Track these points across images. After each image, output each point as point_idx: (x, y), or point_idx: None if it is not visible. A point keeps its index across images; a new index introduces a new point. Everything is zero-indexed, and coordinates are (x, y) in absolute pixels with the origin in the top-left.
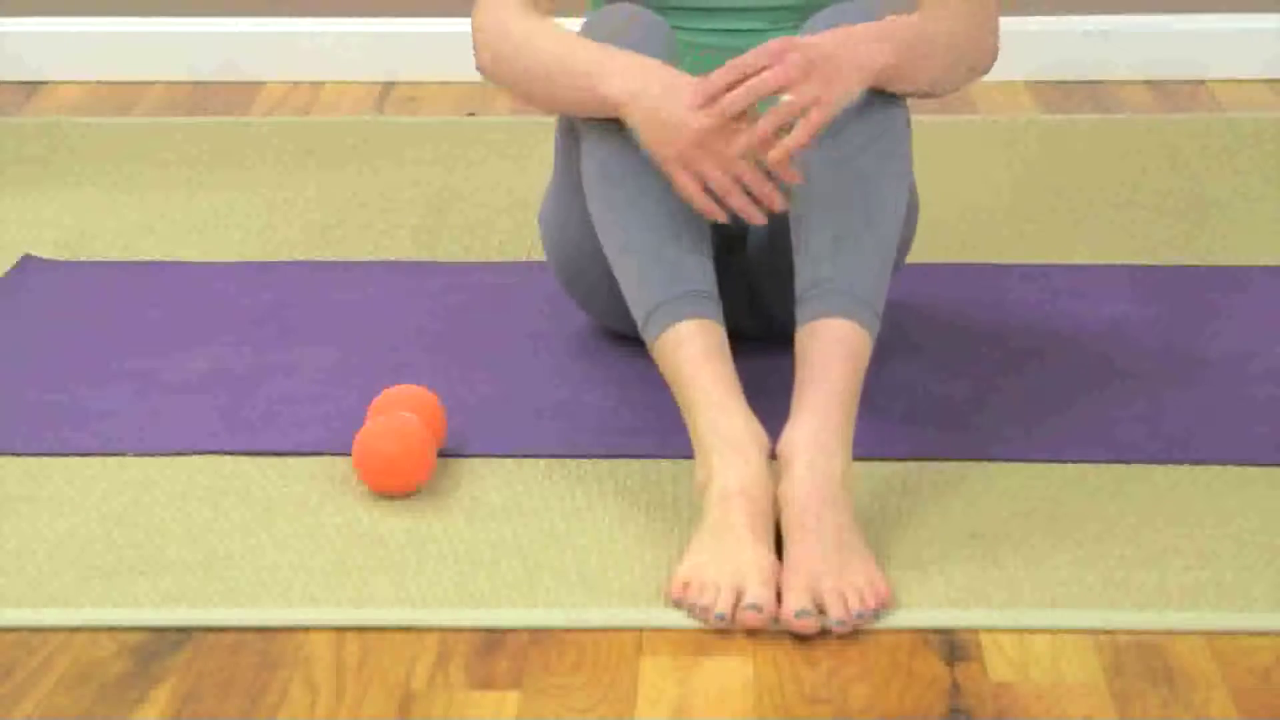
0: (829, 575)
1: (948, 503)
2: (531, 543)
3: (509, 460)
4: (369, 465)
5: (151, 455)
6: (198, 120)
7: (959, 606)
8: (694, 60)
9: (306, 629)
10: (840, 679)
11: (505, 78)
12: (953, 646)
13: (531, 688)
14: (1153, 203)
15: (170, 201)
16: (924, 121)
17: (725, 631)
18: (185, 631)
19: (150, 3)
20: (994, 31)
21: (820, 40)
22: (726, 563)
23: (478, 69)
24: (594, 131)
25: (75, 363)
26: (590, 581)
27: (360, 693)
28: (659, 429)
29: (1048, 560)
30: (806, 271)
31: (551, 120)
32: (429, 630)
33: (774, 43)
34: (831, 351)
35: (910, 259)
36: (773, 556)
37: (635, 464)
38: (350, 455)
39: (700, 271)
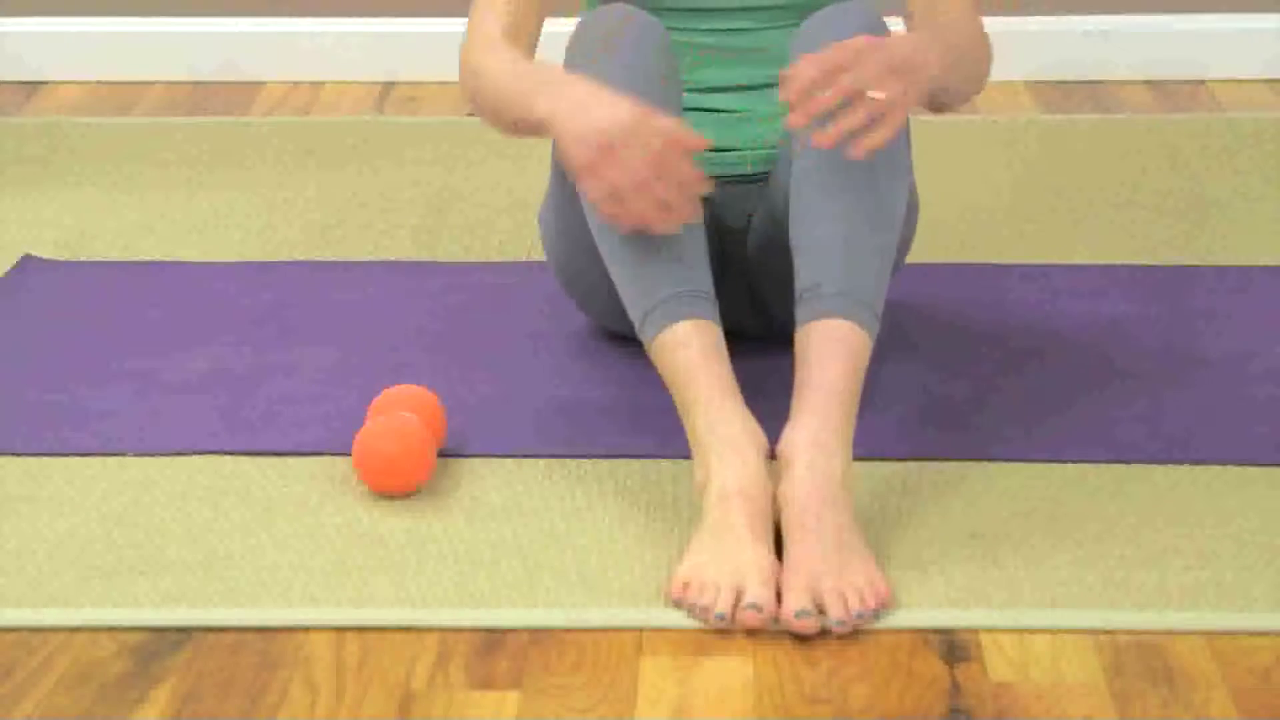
0: (829, 575)
1: (948, 503)
2: (531, 543)
3: (509, 460)
4: (369, 465)
5: (151, 455)
6: (198, 120)
7: (959, 606)
8: (692, 60)
9: (306, 629)
10: (840, 679)
11: (476, 108)
12: (953, 646)
13: (531, 688)
14: (1153, 203)
15: (170, 201)
16: (924, 121)
17: (725, 631)
18: (185, 631)
19: (150, 3)
20: (988, 41)
21: (896, 44)
22: (726, 563)
23: None
24: None
25: (75, 363)
26: (590, 581)
27: (360, 693)
28: (659, 429)
29: (1048, 560)
30: (806, 272)
31: None
32: (429, 630)
33: (855, 43)
34: (831, 352)
35: (910, 259)
36: (772, 556)
37: (635, 464)
38: (350, 455)
39: (697, 271)
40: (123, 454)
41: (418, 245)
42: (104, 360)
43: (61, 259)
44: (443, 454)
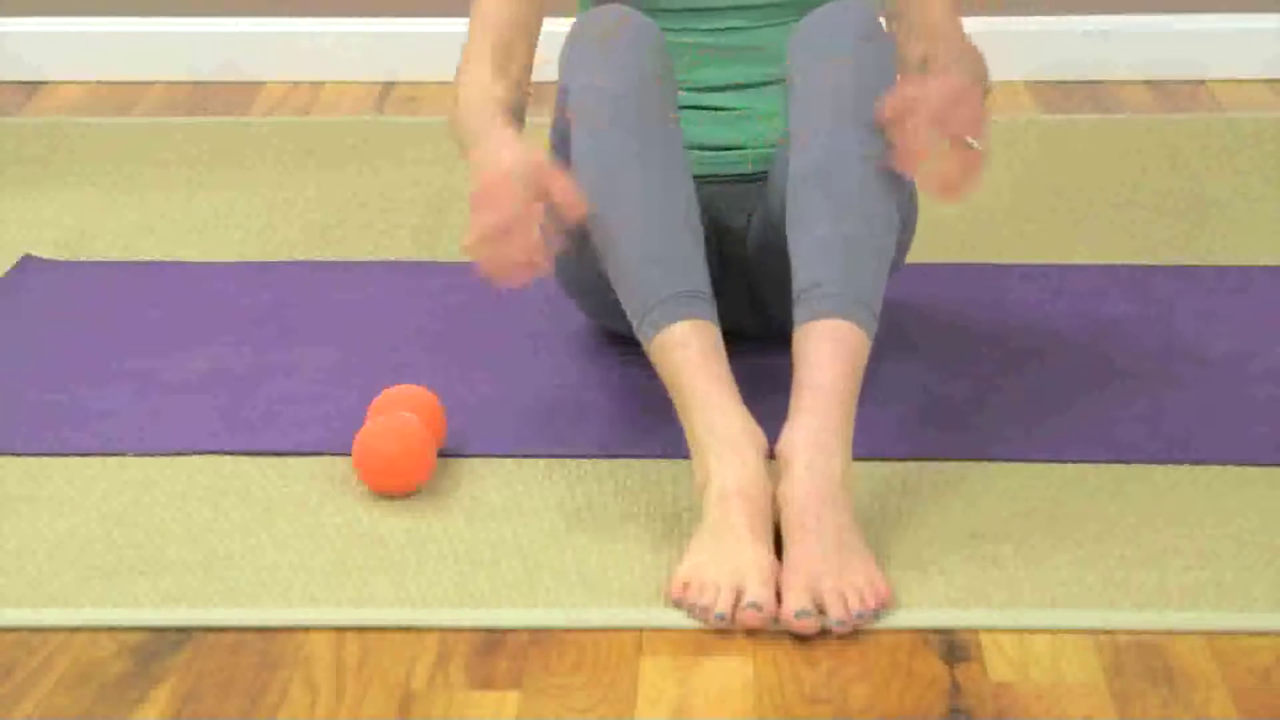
0: (829, 575)
1: (948, 503)
2: (531, 543)
3: (509, 460)
4: (369, 465)
5: (151, 455)
6: (198, 120)
7: (959, 606)
8: (690, 60)
9: (306, 629)
10: (840, 679)
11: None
12: (953, 646)
13: (531, 688)
14: (1153, 203)
15: (170, 201)
16: None
17: (725, 631)
18: (185, 631)
19: (150, 3)
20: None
21: (976, 88)
22: (726, 563)
23: None
24: (583, 136)
25: (75, 363)
26: (590, 581)
27: (360, 693)
28: (659, 429)
29: (1048, 560)
30: (804, 272)
31: (550, 121)
32: (429, 630)
33: (958, 85)
34: (830, 352)
35: (910, 259)
36: (772, 556)
37: (635, 464)
38: (350, 455)
39: (695, 272)
40: (123, 454)
41: (418, 245)
42: (104, 360)
43: (61, 259)
44: (443, 454)
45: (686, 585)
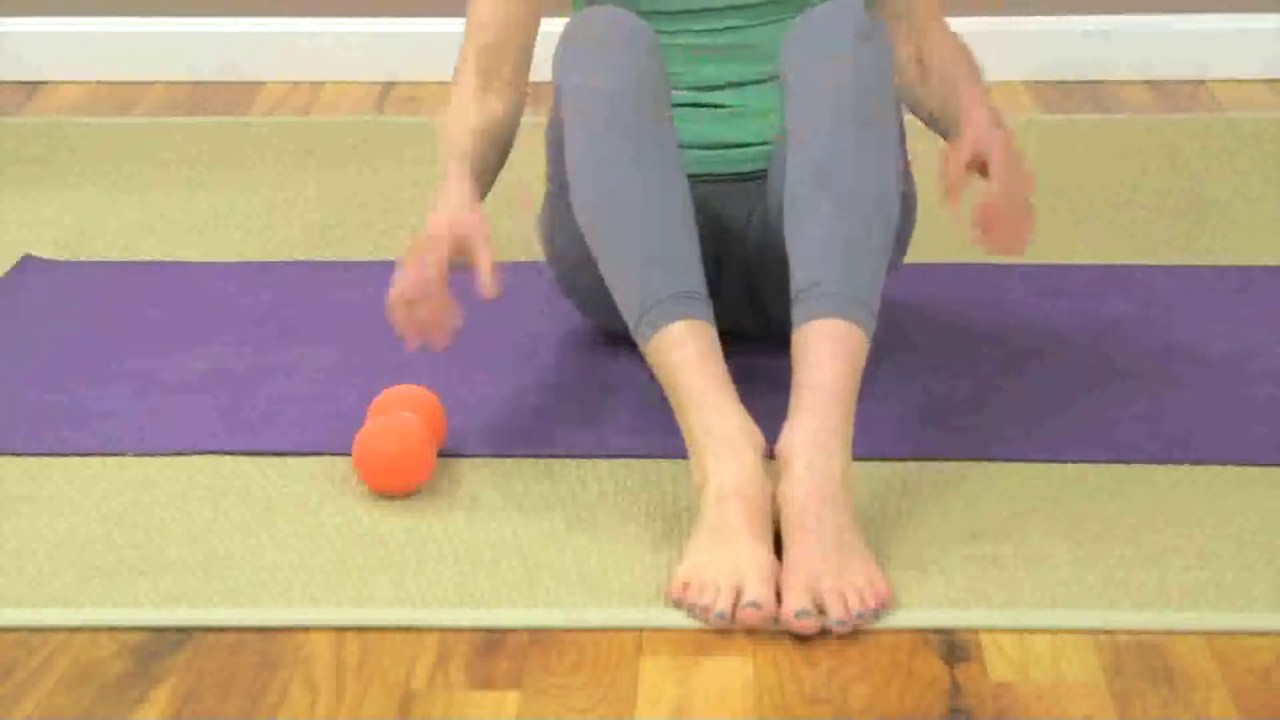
0: (829, 575)
1: (948, 503)
2: (531, 543)
3: (509, 460)
4: (369, 465)
5: (151, 455)
6: (198, 120)
7: (959, 606)
8: (686, 59)
9: (306, 629)
10: (840, 679)
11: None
12: (953, 646)
13: (531, 688)
14: (1153, 203)
15: (170, 201)
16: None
17: (725, 631)
18: (185, 631)
19: (150, 3)
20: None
21: (1000, 124)
22: (725, 562)
23: None
24: (578, 137)
25: (75, 363)
26: (590, 581)
27: (360, 693)
28: (659, 429)
29: (1048, 560)
30: (802, 272)
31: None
32: (429, 630)
33: (1001, 138)
34: (828, 351)
35: (910, 259)
36: (771, 555)
37: (635, 464)
38: (350, 455)
39: (691, 272)
40: (123, 454)
41: None
42: (104, 360)
43: (61, 259)
44: (443, 454)
45: (686, 585)
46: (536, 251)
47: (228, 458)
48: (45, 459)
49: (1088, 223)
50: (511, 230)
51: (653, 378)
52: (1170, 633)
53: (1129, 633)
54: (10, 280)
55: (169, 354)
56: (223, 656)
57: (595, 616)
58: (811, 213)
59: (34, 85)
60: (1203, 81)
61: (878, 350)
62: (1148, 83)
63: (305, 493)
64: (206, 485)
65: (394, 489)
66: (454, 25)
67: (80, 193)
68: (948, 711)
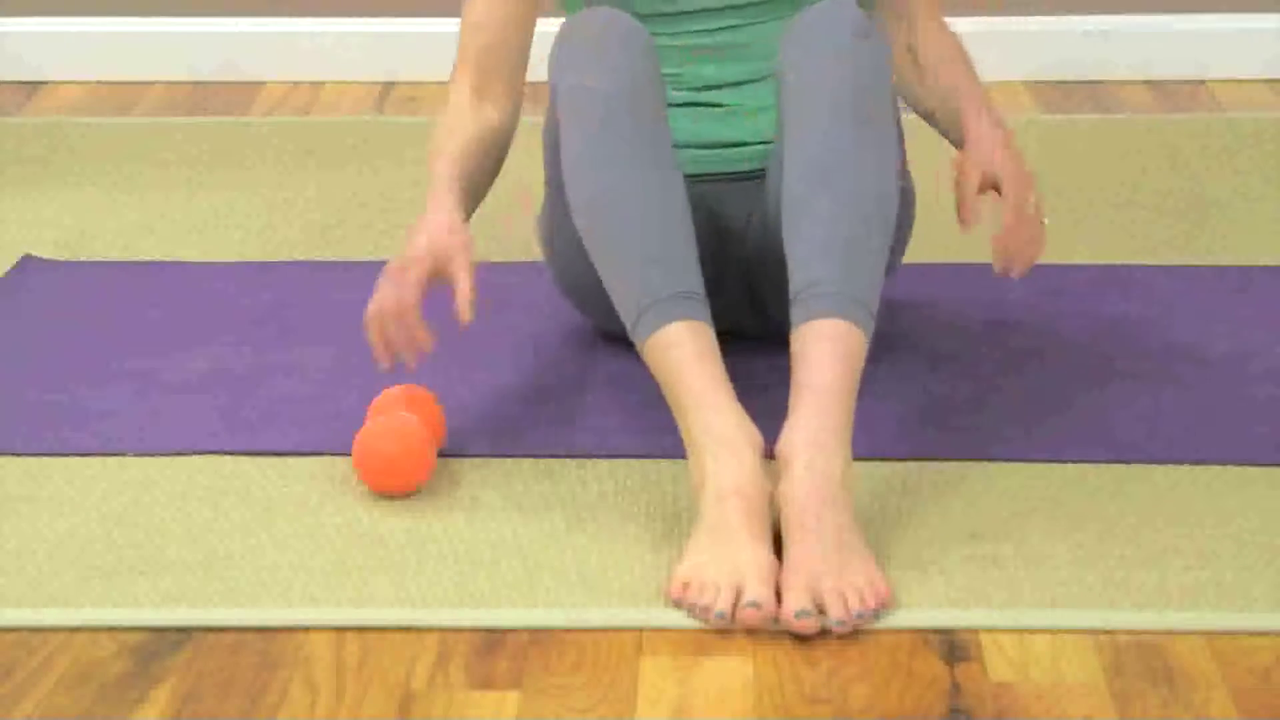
0: (829, 575)
1: (948, 503)
2: (531, 543)
3: (509, 460)
4: (369, 465)
5: (151, 455)
6: (198, 120)
7: (959, 606)
8: (683, 60)
9: (306, 629)
10: (840, 679)
11: None
12: (953, 646)
13: (531, 688)
14: (1153, 203)
15: (170, 201)
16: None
17: (725, 631)
18: (185, 631)
19: (150, 3)
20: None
21: (1011, 144)
22: (725, 562)
23: None
24: (573, 138)
25: (75, 363)
26: (590, 581)
27: (360, 693)
28: (659, 429)
29: (1048, 560)
30: (800, 272)
31: None
32: (429, 630)
33: (1012, 163)
34: (828, 351)
35: (910, 259)
36: (771, 555)
37: (635, 464)
38: (350, 455)
39: (688, 272)
40: (123, 454)
41: None
42: (104, 360)
43: (61, 259)
44: (443, 454)
45: (686, 585)
46: (536, 251)
47: (228, 458)
48: (45, 459)
49: (1088, 223)
50: (512, 230)
51: (652, 378)
52: (1170, 633)
53: (1129, 633)
54: (10, 280)
55: (169, 354)
56: (223, 656)
57: (595, 616)
58: (810, 212)
59: (34, 85)
60: (1203, 81)
61: (877, 350)
62: (1148, 83)
63: (305, 493)
64: (206, 485)
65: (394, 489)
66: (454, 25)
67: (80, 193)
68: (948, 711)
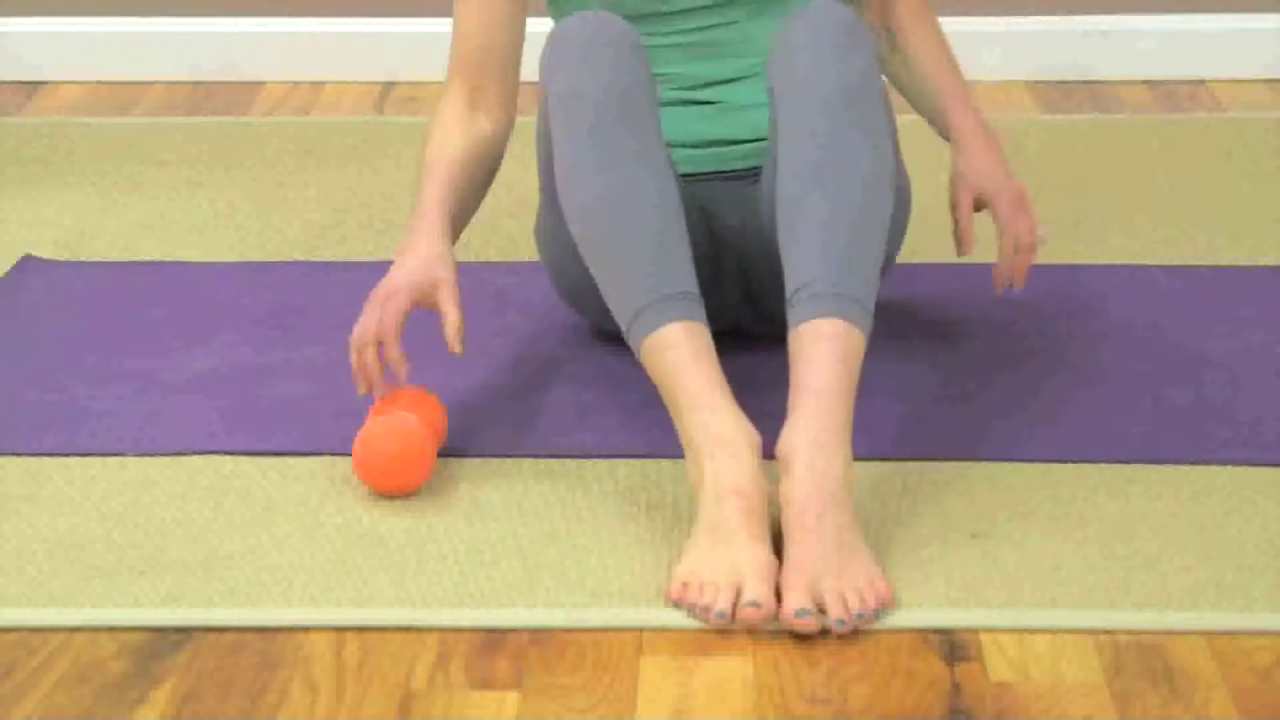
0: (829, 575)
1: (948, 503)
2: (531, 543)
3: (509, 460)
4: (369, 465)
5: (151, 455)
6: (198, 120)
7: (959, 606)
8: (676, 58)
9: (306, 629)
10: (840, 679)
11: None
12: (953, 646)
13: (531, 688)
14: (1153, 203)
15: (170, 201)
16: (924, 122)
17: (725, 631)
18: (185, 631)
19: (150, 3)
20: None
21: (1001, 161)
22: (724, 561)
23: None
24: (565, 142)
25: (75, 363)
26: (590, 581)
27: (360, 693)
28: (659, 429)
29: (1048, 560)
30: (796, 272)
31: None
32: (429, 630)
33: (1014, 198)
34: (826, 351)
35: (909, 259)
36: (770, 554)
37: (635, 464)
38: (350, 455)
39: (683, 273)
40: (123, 454)
41: None
42: (104, 360)
43: (61, 259)
44: (443, 454)
45: (685, 585)
46: (535, 251)
47: (228, 458)
48: (45, 459)
49: (1088, 223)
50: (513, 230)
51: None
52: (1170, 633)
53: (1129, 633)
54: (10, 280)
55: (169, 354)
56: (223, 656)
57: (595, 616)
58: (805, 212)
59: (34, 85)
60: (1203, 81)
61: (876, 350)
62: (1148, 83)
63: (305, 493)
64: (206, 485)
65: (394, 489)
66: None
67: (80, 193)
68: (948, 711)
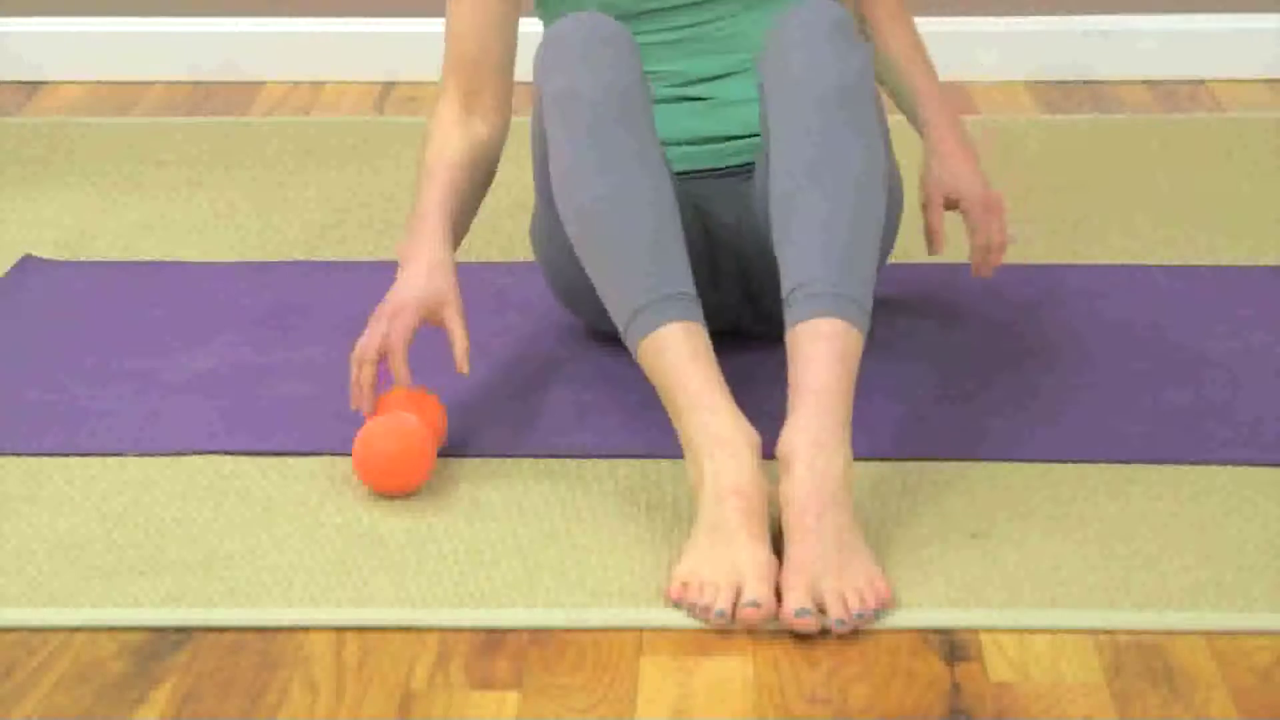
0: (829, 575)
1: (948, 503)
2: (531, 543)
3: (509, 460)
4: (369, 465)
5: (151, 455)
6: (198, 120)
7: (959, 606)
8: (669, 55)
9: (306, 629)
10: (840, 679)
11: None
12: (953, 646)
13: (531, 688)
14: (1153, 203)
15: (170, 201)
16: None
17: (725, 631)
18: (185, 631)
19: (150, 3)
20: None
21: (975, 163)
22: (724, 561)
23: None
24: (562, 143)
25: (75, 363)
26: (590, 581)
27: (360, 693)
28: (659, 429)
29: (1048, 560)
30: (792, 272)
31: None
32: (429, 630)
33: (986, 200)
34: (824, 351)
35: (909, 259)
36: (770, 554)
37: (635, 464)
38: (350, 455)
39: (680, 273)
40: (123, 454)
41: None
42: (104, 360)
43: (61, 259)
44: (443, 454)
45: (685, 585)
46: None
47: (228, 458)
48: (45, 459)
49: (1088, 223)
50: (512, 230)
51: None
52: (1170, 633)
53: (1129, 633)
54: (10, 280)
55: (169, 354)
56: (223, 656)
57: (595, 616)
58: (800, 211)
59: (34, 85)
60: (1203, 81)
61: (876, 350)
62: (1148, 83)
63: (305, 493)
64: (206, 485)
65: (394, 489)
66: None
67: (80, 193)
68: (948, 711)
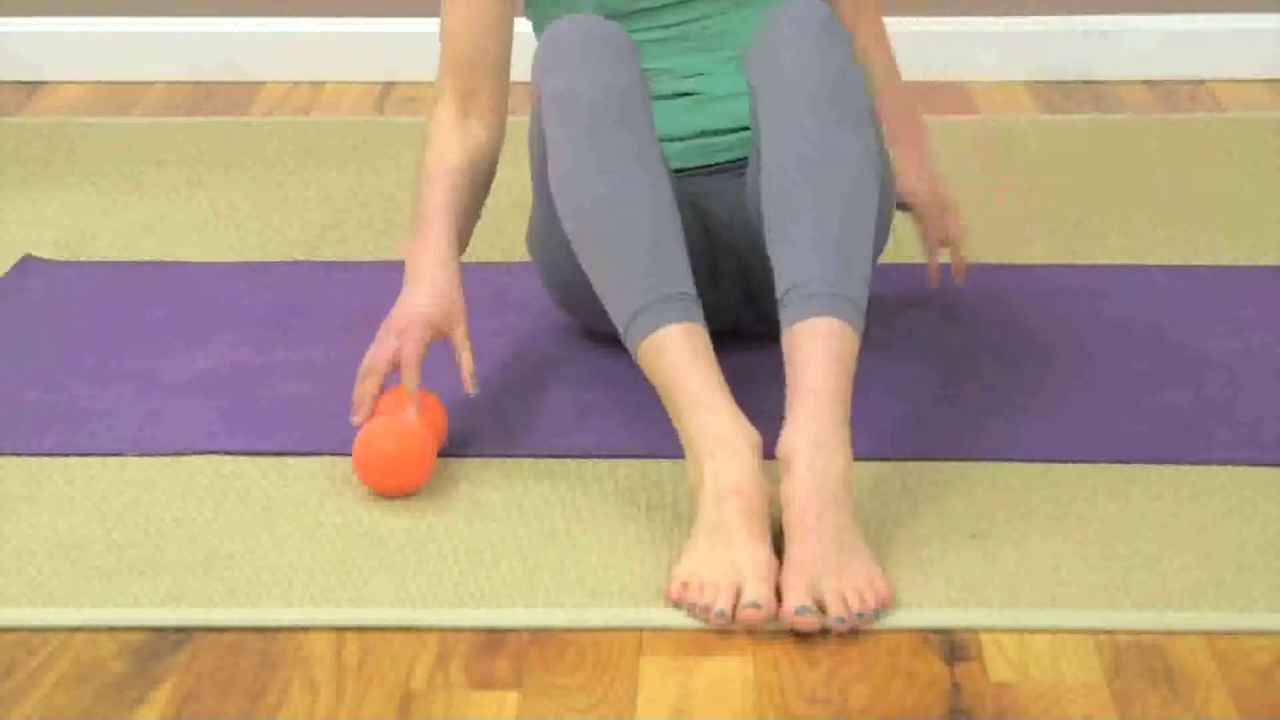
0: (829, 575)
1: (948, 503)
2: (531, 543)
3: (509, 460)
4: (369, 465)
5: (151, 455)
6: (198, 120)
7: (959, 606)
8: (663, 50)
9: (306, 629)
10: (840, 679)
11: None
12: (953, 646)
13: (531, 688)
14: (1153, 203)
15: (170, 201)
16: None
17: (725, 631)
18: (185, 631)
19: (150, 3)
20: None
21: (932, 168)
22: (724, 561)
23: None
24: (560, 144)
25: (75, 363)
26: (590, 581)
27: (360, 693)
28: (658, 429)
29: (1048, 560)
30: (787, 272)
31: None
32: (429, 630)
33: (939, 198)
34: (822, 350)
35: (909, 259)
36: (770, 554)
37: (635, 464)
38: (350, 455)
39: (679, 273)
40: (123, 454)
41: None
42: (104, 360)
43: (61, 259)
44: (443, 454)
45: (685, 585)
46: None
47: (228, 458)
48: (45, 459)
49: (1088, 223)
50: (512, 230)
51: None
52: (1170, 633)
53: (1129, 633)
54: (10, 280)
55: (169, 354)
56: (223, 656)
57: (595, 616)
58: (795, 209)
59: (34, 85)
60: (1203, 81)
61: (875, 349)
62: (1148, 83)
63: (305, 493)
64: (206, 485)
65: (394, 489)
66: None
67: (80, 193)
68: (948, 711)
